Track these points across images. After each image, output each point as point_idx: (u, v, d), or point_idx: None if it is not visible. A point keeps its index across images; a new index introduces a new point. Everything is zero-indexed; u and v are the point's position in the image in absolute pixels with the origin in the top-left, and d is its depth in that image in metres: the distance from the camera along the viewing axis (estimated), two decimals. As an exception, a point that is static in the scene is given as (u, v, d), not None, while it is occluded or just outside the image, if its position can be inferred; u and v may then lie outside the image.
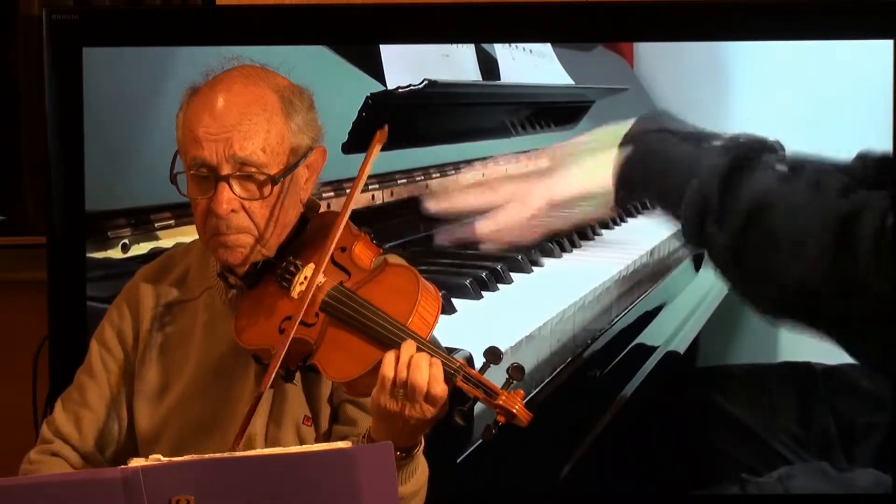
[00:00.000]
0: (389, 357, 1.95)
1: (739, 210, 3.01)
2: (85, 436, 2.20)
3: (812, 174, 3.03)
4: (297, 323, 2.02)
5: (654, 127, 3.11)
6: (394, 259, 2.16)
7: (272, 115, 2.06)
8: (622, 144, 3.11)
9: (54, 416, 2.23)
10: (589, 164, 3.13)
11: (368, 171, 2.08)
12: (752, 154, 3.04)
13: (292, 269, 2.09)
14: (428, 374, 1.93)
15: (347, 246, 2.09)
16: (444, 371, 1.94)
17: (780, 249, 3.03)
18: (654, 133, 3.10)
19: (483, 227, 3.14)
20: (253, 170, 2.05)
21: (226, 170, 2.04)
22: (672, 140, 3.09)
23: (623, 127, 3.12)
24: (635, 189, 3.14)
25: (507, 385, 1.94)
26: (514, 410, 1.92)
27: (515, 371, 1.94)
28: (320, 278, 2.05)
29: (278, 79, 2.12)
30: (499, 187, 3.15)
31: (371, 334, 2.00)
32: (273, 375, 2.01)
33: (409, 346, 1.95)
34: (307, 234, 2.15)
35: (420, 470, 2.06)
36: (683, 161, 3.07)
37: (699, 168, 3.05)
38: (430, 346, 1.96)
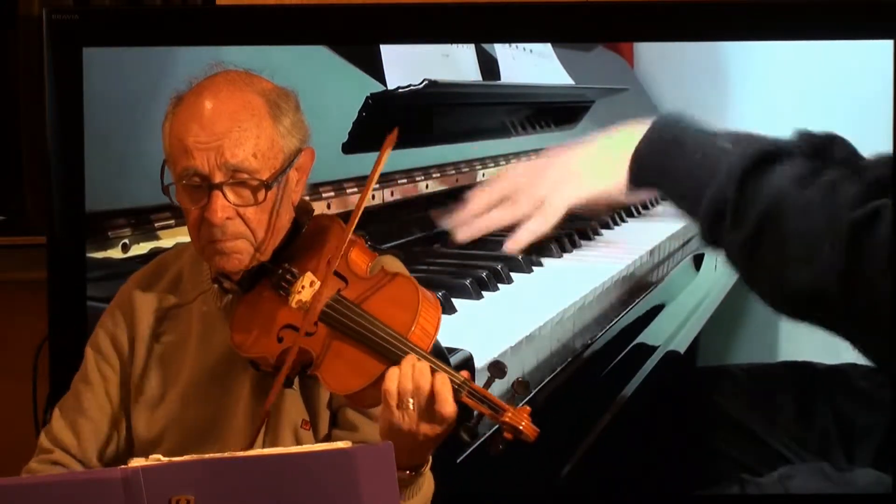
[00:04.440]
0: (392, 372, 1.93)
1: (755, 210, 2.99)
2: (84, 443, 2.18)
3: (830, 177, 3.00)
4: (302, 336, 1.99)
5: (670, 128, 3.08)
6: (390, 265, 2.14)
7: (261, 120, 2.05)
8: (638, 146, 3.07)
9: (52, 424, 2.21)
10: (605, 165, 3.11)
11: (377, 176, 2.05)
12: (771, 154, 3.02)
13: (289, 276, 2.07)
14: (430, 379, 1.91)
15: (344, 252, 2.07)
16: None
17: (793, 248, 3.00)
18: (670, 134, 3.08)
19: (512, 246, 3.15)
20: (246, 176, 2.03)
21: (218, 178, 2.02)
22: (690, 140, 3.07)
23: (635, 129, 3.10)
24: (651, 186, 3.11)
25: (512, 401, 1.92)
26: (521, 427, 1.90)
27: (520, 386, 1.92)
28: (318, 286, 2.03)
29: (262, 82, 2.11)
30: (517, 198, 3.13)
31: (372, 346, 1.98)
32: (277, 392, 2.00)
33: (410, 359, 1.94)
34: (302, 239, 2.13)
35: (426, 486, 2.05)
36: (702, 160, 3.04)
37: (718, 168, 3.02)
38: (434, 361, 1.94)
